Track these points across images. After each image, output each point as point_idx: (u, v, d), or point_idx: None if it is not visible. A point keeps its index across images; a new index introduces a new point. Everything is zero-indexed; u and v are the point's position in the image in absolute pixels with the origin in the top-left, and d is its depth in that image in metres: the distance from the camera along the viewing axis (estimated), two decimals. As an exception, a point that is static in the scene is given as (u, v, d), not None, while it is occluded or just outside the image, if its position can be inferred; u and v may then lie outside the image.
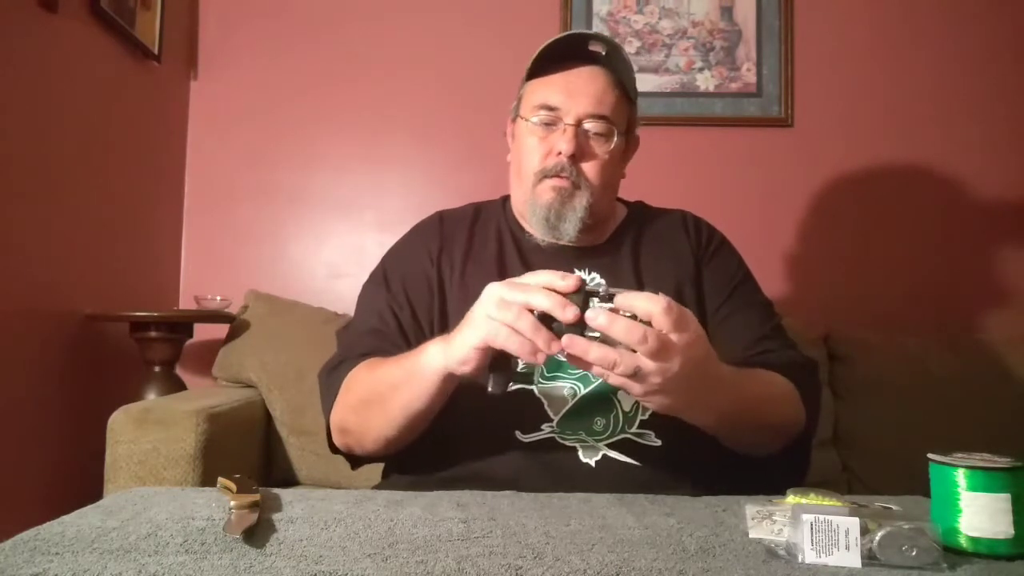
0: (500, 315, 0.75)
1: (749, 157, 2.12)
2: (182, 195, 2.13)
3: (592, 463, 0.95)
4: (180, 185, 2.12)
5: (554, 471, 0.93)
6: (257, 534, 0.62)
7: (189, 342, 1.83)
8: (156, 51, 1.93)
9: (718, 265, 1.12)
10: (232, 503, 0.67)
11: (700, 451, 0.93)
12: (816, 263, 2.10)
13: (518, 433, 0.96)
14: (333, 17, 2.14)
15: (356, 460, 1.05)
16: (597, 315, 0.72)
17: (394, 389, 0.90)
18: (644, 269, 1.09)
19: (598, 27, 2.12)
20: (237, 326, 1.77)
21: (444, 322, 1.04)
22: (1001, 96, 2.11)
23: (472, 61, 2.14)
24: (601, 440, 0.96)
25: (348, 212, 2.13)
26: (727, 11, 2.13)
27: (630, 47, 2.10)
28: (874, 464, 1.72)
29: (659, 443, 0.96)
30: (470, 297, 1.02)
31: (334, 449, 1.05)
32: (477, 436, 0.93)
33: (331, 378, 1.02)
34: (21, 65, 1.46)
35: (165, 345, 1.73)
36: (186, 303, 2.07)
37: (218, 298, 1.89)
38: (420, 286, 1.08)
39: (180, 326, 1.77)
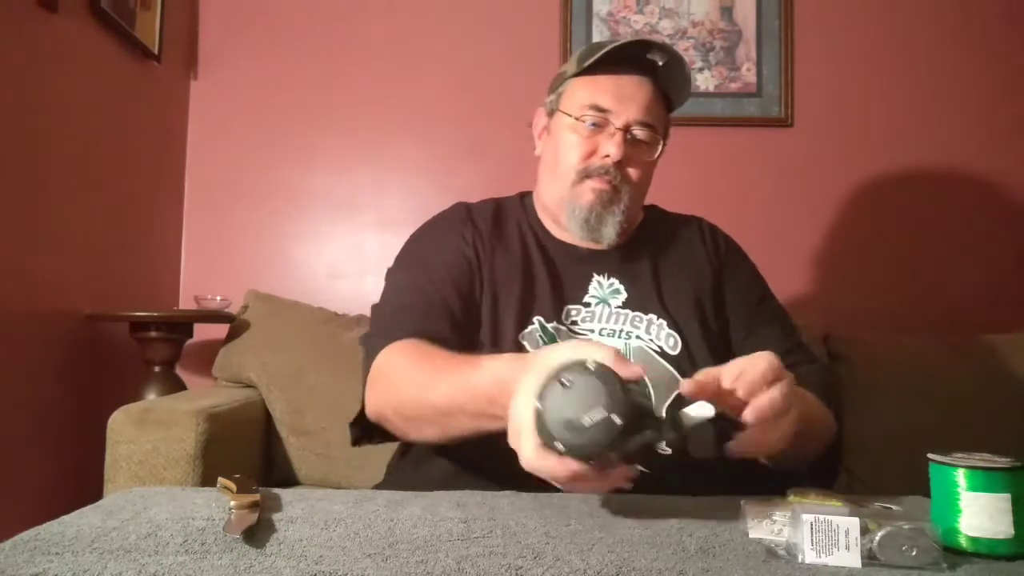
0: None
1: (749, 157, 2.12)
2: (182, 195, 2.12)
3: None
4: (180, 185, 2.12)
5: None
6: (257, 534, 0.62)
7: (189, 342, 1.83)
8: (156, 51, 1.93)
9: (740, 279, 1.14)
10: (232, 503, 0.67)
11: (709, 456, 0.93)
12: (816, 263, 2.10)
13: None
14: (333, 17, 2.14)
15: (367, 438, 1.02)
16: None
17: (456, 419, 0.86)
18: (662, 277, 1.10)
19: (598, 27, 2.12)
20: (237, 326, 1.77)
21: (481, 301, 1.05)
22: (1001, 95, 2.11)
23: (472, 61, 2.14)
24: None
25: (348, 212, 2.13)
26: (727, 11, 2.13)
27: (630, 47, 2.10)
28: (874, 464, 1.72)
29: (669, 451, 0.96)
30: (495, 290, 1.04)
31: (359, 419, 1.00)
32: (483, 439, 0.93)
33: (373, 350, 0.98)
34: (21, 65, 1.46)
35: (165, 345, 1.73)
36: (186, 303, 2.07)
37: (218, 298, 1.89)
38: (461, 265, 1.06)
39: (180, 326, 1.77)
